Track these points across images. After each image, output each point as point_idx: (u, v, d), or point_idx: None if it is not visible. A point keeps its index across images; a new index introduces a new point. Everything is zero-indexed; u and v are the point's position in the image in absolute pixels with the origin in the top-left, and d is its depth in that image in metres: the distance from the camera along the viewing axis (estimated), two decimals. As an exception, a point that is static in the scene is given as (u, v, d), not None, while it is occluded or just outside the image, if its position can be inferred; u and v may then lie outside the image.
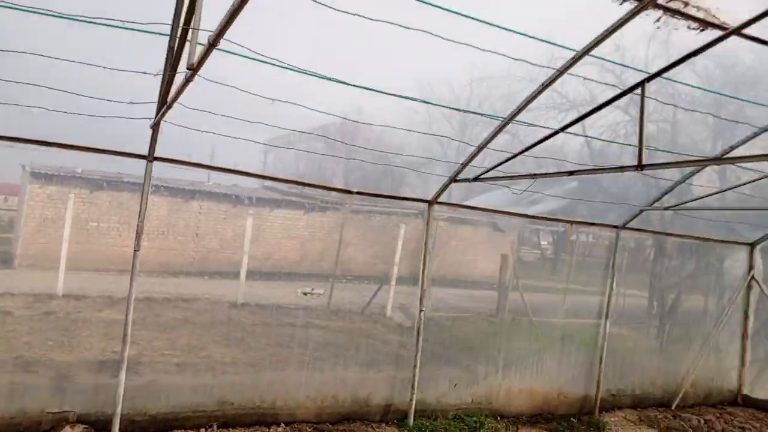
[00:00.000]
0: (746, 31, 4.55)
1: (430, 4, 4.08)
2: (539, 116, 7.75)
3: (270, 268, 7.10)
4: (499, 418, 7.21)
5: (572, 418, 7.66)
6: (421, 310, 6.65)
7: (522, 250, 9.99)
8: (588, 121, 6.55)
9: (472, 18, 4.34)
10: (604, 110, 5.50)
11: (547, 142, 5.46)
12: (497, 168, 5.49)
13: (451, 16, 4.26)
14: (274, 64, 4.38)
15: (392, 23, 3.54)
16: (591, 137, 6.54)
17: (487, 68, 6.55)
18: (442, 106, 5.50)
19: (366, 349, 6.76)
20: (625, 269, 8.84)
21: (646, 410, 8.38)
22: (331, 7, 3.30)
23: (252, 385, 6.06)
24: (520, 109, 4.89)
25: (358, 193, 5.95)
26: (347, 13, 3.41)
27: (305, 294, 6.41)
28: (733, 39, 4.70)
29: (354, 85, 4.47)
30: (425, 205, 6.57)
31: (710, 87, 7.08)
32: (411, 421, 6.55)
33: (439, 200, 6.40)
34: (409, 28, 3.61)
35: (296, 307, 6.49)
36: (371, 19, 3.49)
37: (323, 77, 4.37)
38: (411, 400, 6.60)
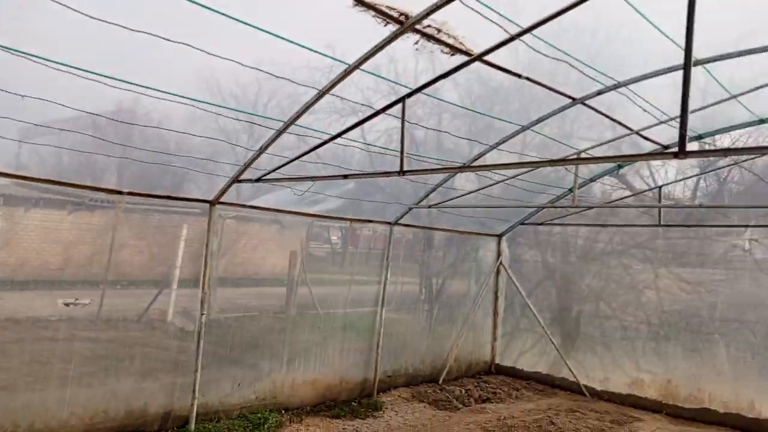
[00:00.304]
0: (487, 58, 5.33)
1: (214, 11, 4.04)
2: (323, 119, 8.06)
3: (26, 277, 6.29)
4: (283, 411, 7.42)
5: (353, 402, 8.22)
6: (202, 313, 6.53)
7: (312, 246, 10.31)
8: (367, 125, 7.04)
9: (260, 29, 4.42)
10: (381, 115, 5.99)
11: (332, 144, 5.78)
12: (279, 170, 5.64)
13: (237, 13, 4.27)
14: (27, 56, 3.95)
15: (153, 35, 3.43)
16: (359, 143, 6.97)
17: (275, 65, 6.63)
18: (223, 107, 5.45)
19: (143, 358, 6.41)
20: (403, 260, 9.71)
21: (417, 387, 9.36)
22: (87, 15, 3.08)
23: (2, 411, 5.36)
24: (298, 115, 5.10)
25: (129, 193, 5.62)
26: (104, 21, 3.22)
27: (67, 305, 5.84)
28: (478, 63, 5.47)
29: (116, 80, 4.21)
30: (208, 204, 6.46)
31: (470, 98, 8.04)
32: (192, 426, 6.42)
33: (221, 200, 6.34)
34: (171, 40, 3.54)
35: (59, 319, 5.88)
36: (131, 29, 3.34)
37: (81, 69, 4.04)
38: (192, 404, 6.47)
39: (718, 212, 8.87)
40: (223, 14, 4.07)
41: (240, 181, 5.96)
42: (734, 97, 6.41)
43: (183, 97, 4.74)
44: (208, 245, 6.51)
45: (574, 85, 6.84)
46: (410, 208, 8.26)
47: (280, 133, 5.25)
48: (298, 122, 5.71)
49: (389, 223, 8.62)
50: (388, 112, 5.36)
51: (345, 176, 5.23)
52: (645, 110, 6.66)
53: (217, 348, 7.04)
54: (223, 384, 6.97)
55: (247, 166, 5.70)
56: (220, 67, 5.66)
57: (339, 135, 5.20)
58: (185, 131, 5.65)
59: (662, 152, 6.72)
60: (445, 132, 7.13)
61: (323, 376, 8.05)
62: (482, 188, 8.25)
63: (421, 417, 7.98)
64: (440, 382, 9.74)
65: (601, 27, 6.81)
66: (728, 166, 9.15)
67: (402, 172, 4.74)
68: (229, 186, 6.07)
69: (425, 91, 5.83)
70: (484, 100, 7.97)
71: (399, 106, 4.97)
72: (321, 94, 4.74)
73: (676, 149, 3.58)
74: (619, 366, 9.55)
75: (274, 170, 5.56)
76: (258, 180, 5.73)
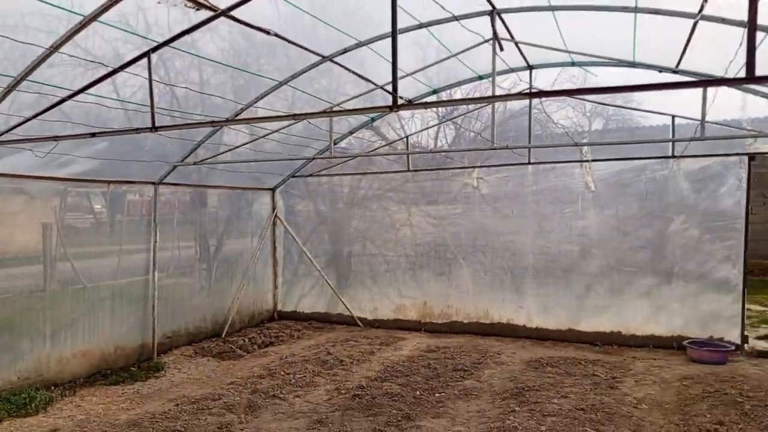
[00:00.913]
0: (233, 13, 5.48)
1: None
2: (66, 72, 7.38)
3: None
4: (53, 387, 7.02)
5: (132, 367, 8.07)
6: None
7: (72, 217, 9.45)
8: (121, 79, 6.67)
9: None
10: (138, 69, 5.76)
11: (83, 102, 5.43)
12: (13, 131, 5.18)
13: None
14: None
15: None
16: (110, 99, 6.62)
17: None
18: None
19: None
20: (178, 223, 9.53)
21: (200, 343, 9.47)
22: None
23: None
24: (28, 71, 4.72)
25: None
26: None
27: None
28: (225, 19, 5.59)
29: None
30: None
31: (235, 49, 7.92)
32: (-62, 421, 5.78)
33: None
34: None
35: None
36: None
37: None
38: (-68, 398, 5.80)
39: (455, 156, 10.41)
40: None
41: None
42: (454, 55, 7.52)
43: None
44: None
45: (335, 41, 7.28)
46: (175, 166, 8.15)
47: (8, 90, 4.81)
48: (34, 78, 5.26)
49: (154, 183, 8.39)
50: (135, 66, 5.24)
51: (93, 134, 5.05)
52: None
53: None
54: (-25, 371, 6.34)
55: (-29, 127, 5.11)
56: None
57: (80, 92, 4.97)
58: None
59: (381, 106, 7.47)
60: (184, 87, 7.02)
61: (95, 347, 7.73)
62: (248, 142, 8.48)
63: (205, 369, 8.19)
64: (223, 335, 9.98)
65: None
66: (460, 116, 10.73)
67: (154, 128, 4.77)
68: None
69: (178, 44, 5.81)
70: (249, 53, 7.85)
71: (146, 60, 4.92)
72: (53, 49, 4.47)
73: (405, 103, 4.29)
74: (386, 296, 10.82)
75: (6, 132, 5.09)
76: (-13, 142, 5.19)
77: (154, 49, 4.85)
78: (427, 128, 11.02)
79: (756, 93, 7.60)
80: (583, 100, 9.63)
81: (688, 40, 6.21)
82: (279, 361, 8.45)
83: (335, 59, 7.23)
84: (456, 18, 6.35)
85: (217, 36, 6.89)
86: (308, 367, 7.98)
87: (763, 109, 8.40)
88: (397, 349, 9.13)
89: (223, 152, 8.74)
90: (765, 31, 5.40)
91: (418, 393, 6.82)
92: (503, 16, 6.39)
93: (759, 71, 3.42)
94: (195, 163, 7.93)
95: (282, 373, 7.74)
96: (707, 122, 7.54)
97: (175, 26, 6.03)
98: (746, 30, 3.11)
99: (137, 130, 4.94)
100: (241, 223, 10.85)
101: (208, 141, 8.13)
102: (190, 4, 5.11)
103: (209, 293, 9.95)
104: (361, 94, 8.00)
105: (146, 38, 5.68)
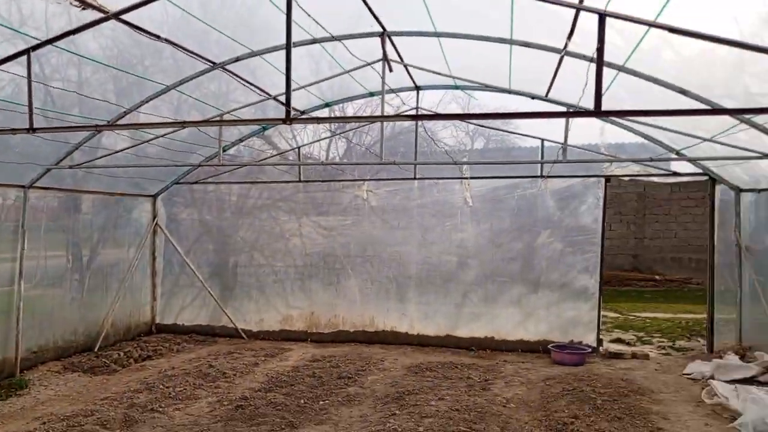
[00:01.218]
0: (125, 17, 5.33)
1: None
2: None
3: None
4: None
5: (-10, 386, 7.39)
6: None
7: None
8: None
9: None
10: (7, 65, 5.36)
11: None
12: None
13: None
14: None
15: None
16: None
17: None
18: None
19: None
20: (46, 230, 8.82)
21: (70, 358, 8.85)
22: None
23: None
24: None
25: None
26: None
27: None
28: (115, 22, 5.42)
29: None
30: None
31: (119, 48, 7.48)
32: None
33: None
34: None
35: None
36: None
37: None
38: None
39: (346, 168, 10.66)
40: None
41: None
42: (347, 72, 7.77)
43: None
44: None
45: (227, 46, 7.16)
46: (48, 169, 7.61)
47: None
48: None
49: (23, 186, 7.77)
50: (10, 63, 4.93)
51: (-43, 132, 4.66)
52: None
53: None
54: None
55: None
56: None
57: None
58: None
59: (274, 118, 7.58)
60: (65, 89, 6.65)
61: (-55, 364, 6.99)
62: (129, 147, 8.14)
63: (76, 385, 7.68)
64: (96, 349, 9.38)
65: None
66: (351, 130, 11.02)
67: (32, 130, 4.51)
68: None
69: (58, 42, 5.51)
70: (134, 53, 7.45)
71: (26, 57, 4.65)
72: None
73: (298, 115, 4.42)
74: (273, 306, 10.76)
75: None
76: None
77: (35, 48, 4.60)
78: (319, 140, 11.17)
79: (612, 122, 8.61)
80: (466, 122, 10.31)
81: (556, 72, 6.93)
82: (158, 374, 8.13)
83: (227, 67, 7.20)
84: (337, 38, 6.59)
85: (99, 33, 6.53)
86: (189, 380, 7.76)
87: (618, 135, 9.47)
88: (283, 359, 9.13)
89: (102, 156, 8.30)
90: (615, 69, 6.21)
91: (302, 401, 6.90)
92: (393, 38, 6.76)
93: (607, 105, 3.99)
94: (72, 167, 7.48)
95: (161, 386, 7.46)
96: (570, 146, 8.43)
97: (53, 20, 5.68)
98: (595, 70, 3.63)
99: (14, 131, 4.64)
100: (119, 232, 10.28)
101: (85, 144, 7.69)
102: (75, 3, 4.93)
103: (81, 305, 9.32)
104: (252, 103, 8.00)
105: (19, 32, 5.35)
